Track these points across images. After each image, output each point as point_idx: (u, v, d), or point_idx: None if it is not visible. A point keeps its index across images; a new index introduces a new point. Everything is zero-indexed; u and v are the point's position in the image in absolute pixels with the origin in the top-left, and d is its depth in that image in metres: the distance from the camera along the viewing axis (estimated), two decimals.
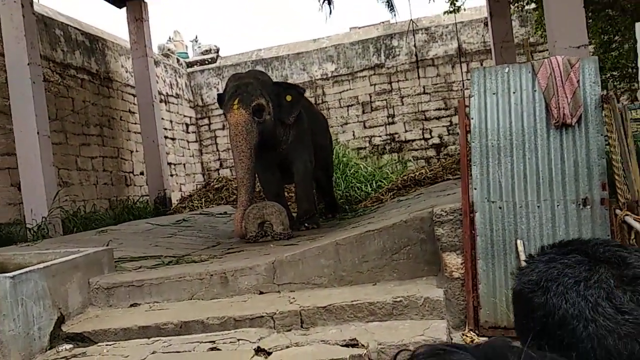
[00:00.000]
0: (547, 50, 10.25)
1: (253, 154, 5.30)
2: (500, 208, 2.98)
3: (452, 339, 2.77)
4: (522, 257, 2.82)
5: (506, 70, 3.15)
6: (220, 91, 11.80)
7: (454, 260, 3.03)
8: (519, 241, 2.89)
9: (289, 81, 10.59)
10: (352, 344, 2.72)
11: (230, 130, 5.37)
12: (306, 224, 5.80)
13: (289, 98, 5.79)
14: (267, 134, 5.50)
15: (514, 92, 3.10)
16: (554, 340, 0.66)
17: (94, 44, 8.55)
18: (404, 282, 3.29)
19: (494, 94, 3.13)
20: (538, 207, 2.92)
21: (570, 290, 0.66)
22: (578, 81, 3.01)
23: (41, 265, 3.23)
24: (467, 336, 2.81)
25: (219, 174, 11.68)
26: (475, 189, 3.04)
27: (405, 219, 3.41)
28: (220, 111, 11.91)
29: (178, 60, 11.39)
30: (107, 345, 3.13)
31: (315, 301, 3.15)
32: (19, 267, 3.74)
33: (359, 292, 3.21)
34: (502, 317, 2.85)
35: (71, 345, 3.16)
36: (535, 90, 3.07)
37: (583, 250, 0.70)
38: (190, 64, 11.80)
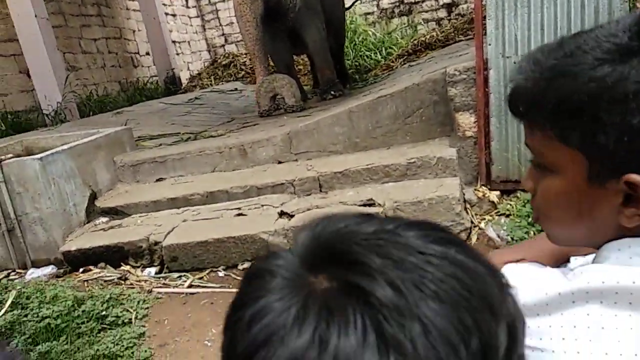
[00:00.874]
0: None
1: (260, 22, 5.10)
2: (515, 63, 2.91)
3: (464, 194, 2.91)
4: None
5: None
6: None
7: (467, 120, 3.06)
8: None
9: None
10: (369, 203, 2.88)
11: (234, 0, 5.13)
12: (332, 92, 5.77)
13: None
14: (272, 2, 5.24)
15: None
16: None
17: None
18: (417, 144, 3.36)
19: None
20: None
21: None
22: None
23: (66, 147, 3.35)
24: (479, 191, 2.95)
25: (224, 50, 11.37)
26: (490, 44, 2.95)
27: (418, 82, 3.39)
28: None
29: None
30: (140, 216, 3.36)
31: (331, 167, 3.27)
32: (44, 150, 3.88)
33: (373, 156, 3.31)
34: (514, 171, 2.95)
35: (107, 218, 3.40)
36: None
37: None
38: None
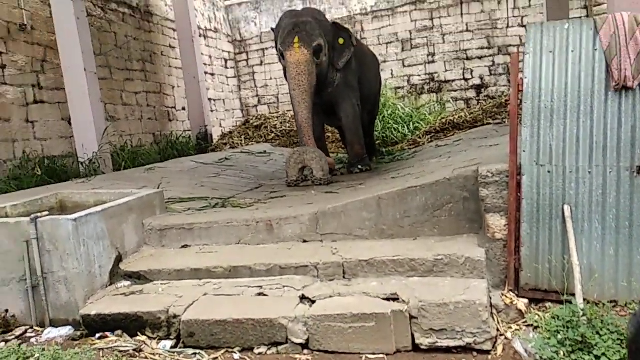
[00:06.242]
0: None
1: (313, 94, 5.31)
2: (549, 172, 2.94)
3: (491, 299, 2.86)
4: (569, 223, 2.83)
5: (565, 26, 2.99)
6: (259, 26, 11.60)
7: (497, 222, 3.06)
8: (566, 206, 2.88)
9: (327, 16, 10.30)
10: (393, 298, 2.84)
11: (291, 69, 5.31)
12: (359, 166, 5.92)
13: (341, 41, 5.70)
14: (321, 76, 5.46)
15: (572, 51, 2.96)
16: None
17: None
18: (444, 238, 3.35)
19: (550, 52, 2.99)
20: (589, 172, 2.87)
21: None
22: None
23: (99, 208, 3.42)
24: (506, 297, 2.89)
25: (257, 111, 11.73)
26: (524, 151, 3.00)
27: (449, 177, 3.42)
28: (258, 46, 11.79)
29: None
30: (162, 284, 3.36)
31: (357, 253, 3.26)
32: (77, 205, 3.99)
33: (400, 246, 3.30)
34: (544, 281, 2.90)
35: (129, 283, 3.42)
36: (595, 50, 2.93)
37: None
38: None
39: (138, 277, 3.47)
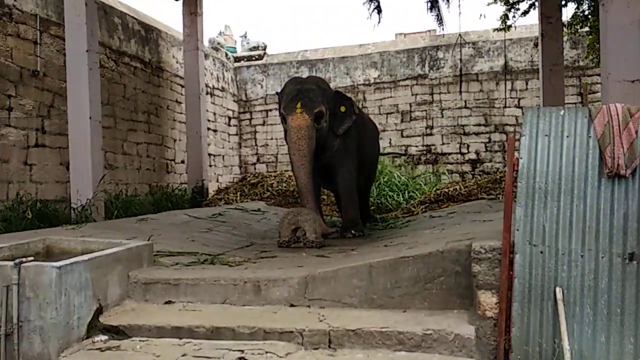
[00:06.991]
0: (596, 74, 10.01)
1: (312, 159, 5.41)
2: (541, 252, 2.94)
3: None
4: (561, 306, 2.79)
5: (561, 112, 3.10)
6: (265, 88, 11.97)
7: (488, 299, 3.01)
8: (558, 289, 2.85)
9: (331, 84, 10.65)
10: None
11: (292, 134, 5.45)
12: (353, 231, 5.91)
13: (342, 109, 5.88)
14: (320, 141, 5.58)
15: (567, 136, 3.05)
16: None
17: (149, 33, 8.79)
18: (434, 312, 3.28)
19: (546, 135, 3.08)
20: (581, 256, 2.87)
21: None
22: (636, 132, 2.94)
23: (86, 257, 3.36)
24: None
25: (255, 169, 11.85)
26: (518, 230, 3.01)
27: (442, 250, 3.40)
28: (262, 107, 12.10)
29: (226, 55, 11.58)
30: (140, 340, 3.23)
31: (344, 322, 3.18)
32: (63, 252, 3.92)
33: (389, 318, 3.22)
34: None
35: (106, 337, 3.29)
36: (590, 137, 3.01)
37: None
38: (237, 59, 11.98)
39: (116, 332, 3.35)
